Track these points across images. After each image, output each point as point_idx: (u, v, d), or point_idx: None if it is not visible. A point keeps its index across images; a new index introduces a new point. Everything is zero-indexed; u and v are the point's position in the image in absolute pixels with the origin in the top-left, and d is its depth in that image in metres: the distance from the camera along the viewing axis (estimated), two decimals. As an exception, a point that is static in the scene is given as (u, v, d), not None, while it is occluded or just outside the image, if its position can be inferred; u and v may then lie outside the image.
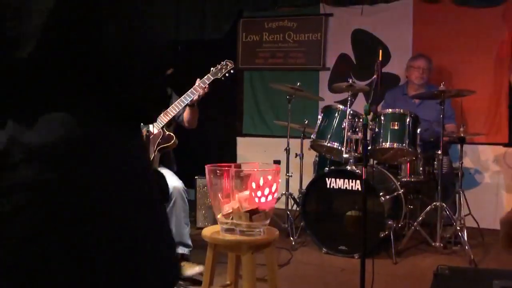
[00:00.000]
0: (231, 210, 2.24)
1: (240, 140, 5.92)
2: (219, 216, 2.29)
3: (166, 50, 1.10)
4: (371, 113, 2.75)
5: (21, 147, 0.94)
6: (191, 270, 3.09)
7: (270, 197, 2.21)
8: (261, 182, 2.17)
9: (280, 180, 4.43)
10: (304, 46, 5.60)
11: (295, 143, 4.45)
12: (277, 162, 4.41)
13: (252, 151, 5.74)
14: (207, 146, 5.74)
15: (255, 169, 2.24)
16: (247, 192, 2.21)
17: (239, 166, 2.28)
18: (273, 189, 2.21)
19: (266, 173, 2.21)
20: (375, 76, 2.87)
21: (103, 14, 0.98)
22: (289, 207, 4.34)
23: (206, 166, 2.29)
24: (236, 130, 5.97)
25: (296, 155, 4.42)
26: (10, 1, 0.95)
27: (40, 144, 0.95)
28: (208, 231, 2.35)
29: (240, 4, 5.76)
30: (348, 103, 3.93)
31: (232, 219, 2.25)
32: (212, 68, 3.48)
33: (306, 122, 4.46)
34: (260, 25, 5.78)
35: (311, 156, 4.58)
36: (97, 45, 0.98)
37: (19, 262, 0.94)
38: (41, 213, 0.94)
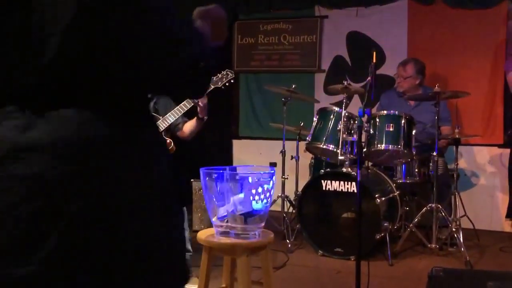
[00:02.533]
0: (226, 213, 2.24)
1: (236, 143, 5.92)
2: (214, 219, 2.28)
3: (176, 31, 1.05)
4: (366, 115, 2.74)
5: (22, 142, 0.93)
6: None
7: (265, 200, 2.20)
8: (256, 185, 2.17)
9: (275, 183, 4.45)
10: (299, 48, 5.61)
11: (290, 145, 4.45)
12: (272, 164, 4.40)
13: (248, 154, 5.73)
14: (203, 149, 5.72)
15: (250, 172, 2.24)
16: (242, 195, 2.20)
17: (234, 169, 2.27)
18: (269, 191, 2.20)
19: (262, 175, 2.21)
20: (369, 78, 2.88)
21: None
22: (285, 209, 4.33)
23: (201, 169, 2.29)
24: (231, 132, 5.97)
25: (292, 157, 4.42)
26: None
27: (51, 139, 0.94)
28: (203, 234, 2.34)
29: (235, 7, 5.76)
30: (343, 105, 3.94)
31: (227, 222, 2.24)
32: (213, 77, 3.48)
33: (301, 124, 4.46)
34: (255, 28, 5.78)
35: (306, 158, 4.58)
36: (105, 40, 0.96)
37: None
38: (44, 205, 0.92)
